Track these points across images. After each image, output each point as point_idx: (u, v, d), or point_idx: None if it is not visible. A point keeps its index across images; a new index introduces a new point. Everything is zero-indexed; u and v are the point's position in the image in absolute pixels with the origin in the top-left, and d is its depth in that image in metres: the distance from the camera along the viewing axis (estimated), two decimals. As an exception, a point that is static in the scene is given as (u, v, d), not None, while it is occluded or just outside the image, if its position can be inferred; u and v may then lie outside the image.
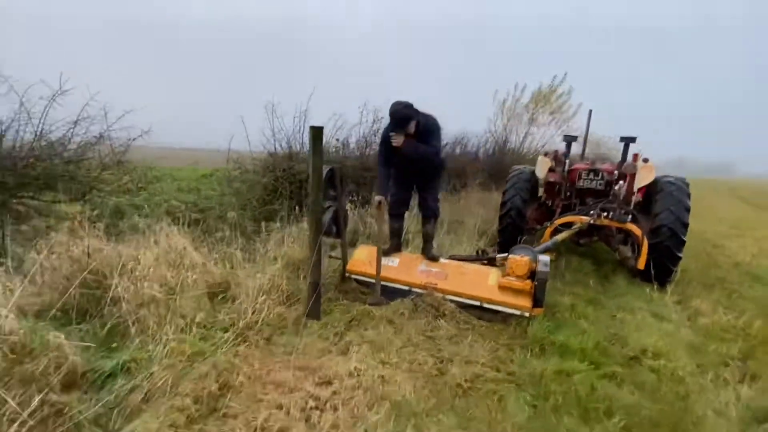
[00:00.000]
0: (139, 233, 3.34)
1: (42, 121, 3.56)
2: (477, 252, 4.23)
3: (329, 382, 2.26)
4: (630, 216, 4.47)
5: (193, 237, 3.60)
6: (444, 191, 7.62)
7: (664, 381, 2.56)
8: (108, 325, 2.46)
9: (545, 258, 3.27)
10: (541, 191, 5.85)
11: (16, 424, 1.65)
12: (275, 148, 5.67)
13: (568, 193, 5.42)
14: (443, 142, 8.56)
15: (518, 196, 5.06)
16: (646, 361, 2.79)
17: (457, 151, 9.82)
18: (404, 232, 4.26)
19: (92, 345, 2.18)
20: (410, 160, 3.53)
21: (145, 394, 2.03)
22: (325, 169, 3.08)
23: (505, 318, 3.25)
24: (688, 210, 4.30)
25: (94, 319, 2.56)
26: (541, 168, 5.33)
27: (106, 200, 4.14)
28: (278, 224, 4.45)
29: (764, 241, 7.74)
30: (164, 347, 2.28)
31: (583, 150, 6.47)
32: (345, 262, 3.77)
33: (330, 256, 3.88)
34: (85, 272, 2.62)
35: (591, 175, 5.16)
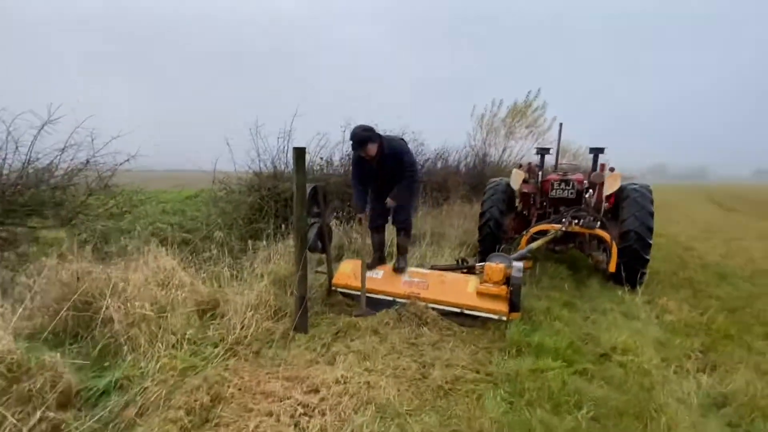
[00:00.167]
0: (128, 255, 3.42)
1: (30, 150, 3.64)
2: (457, 261, 4.41)
3: (317, 390, 2.37)
4: (599, 222, 4.74)
5: (181, 257, 3.69)
6: (425, 205, 7.85)
7: (631, 374, 2.74)
8: (99, 345, 2.54)
9: (519, 264, 3.48)
10: (517, 202, 6.11)
11: (15, 441, 1.72)
12: (260, 168, 5.81)
13: (543, 203, 5.69)
14: (425, 156, 8.84)
15: (495, 207, 5.29)
16: (616, 357, 2.98)
17: (439, 165, 10.11)
18: (386, 245, 4.42)
19: (86, 363, 2.25)
20: (385, 175, 3.75)
21: (139, 408, 2.11)
22: (309, 187, 3.24)
23: (484, 322, 3.41)
24: (651, 215, 4.58)
25: (85, 339, 2.63)
26: (515, 180, 5.59)
27: (93, 224, 4.19)
28: (264, 242, 4.56)
29: (732, 242, 8.17)
30: (156, 363, 2.38)
31: (556, 161, 6.80)
32: (330, 276, 3.90)
33: (316, 271, 4.01)
34: (76, 294, 2.69)
35: (563, 185, 5.44)
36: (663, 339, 3.37)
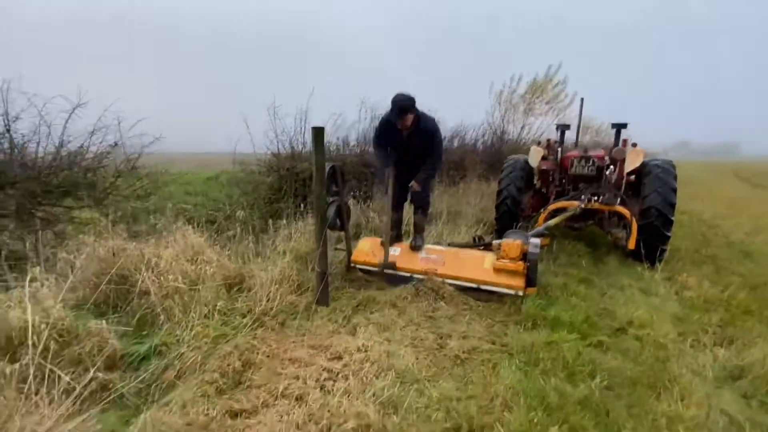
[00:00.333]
0: (157, 233, 3.60)
1: (63, 133, 3.82)
2: (474, 239, 4.45)
3: (340, 357, 2.51)
4: (619, 199, 4.68)
5: (207, 236, 3.85)
6: (441, 184, 7.85)
7: (647, 347, 2.78)
8: (138, 315, 2.73)
9: (536, 240, 3.50)
10: (536, 179, 6.06)
11: (71, 397, 1.91)
12: (278, 149, 5.92)
13: (562, 180, 5.63)
14: (442, 135, 8.80)
15: (513, 185, 5.27)
16: (632, 331, 3.01)
17: (456, 143, 10.02)
18: (404, 224, 4.49)
19: (128, 329, 2.44)
20: (412, 149, 3.78)
21: (178, 371, 2.29)
22: (327, 167, 3.31)
23: (501, 297, 3.48)
24: (674, 191, 4.50)
25: (124, 310, 2.83)
26: (534, 157, 5.54)
27: (123, 204, 4.39)
28: (284, 221, 4.70)
29: (760, 218, 7.91)
30: (191, 331, 2.55)
31: (577, 137, 6.66)
32: (349, 253, 4.01)
33: (335, 248, 4.13)
34: (114, 269, 2.88)
35: (583, 162, 5.36)
36: (681, 314, 3.37)
